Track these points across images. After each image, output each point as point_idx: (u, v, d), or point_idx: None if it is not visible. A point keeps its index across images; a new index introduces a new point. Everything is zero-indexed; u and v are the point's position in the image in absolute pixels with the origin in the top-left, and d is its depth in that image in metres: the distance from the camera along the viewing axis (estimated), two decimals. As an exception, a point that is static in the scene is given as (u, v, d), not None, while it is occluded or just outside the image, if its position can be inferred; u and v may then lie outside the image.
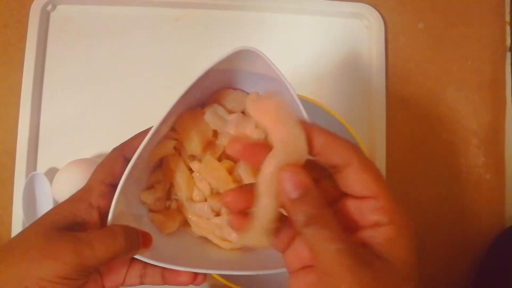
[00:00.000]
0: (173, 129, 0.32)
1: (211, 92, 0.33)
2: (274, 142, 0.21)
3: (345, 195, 0.23)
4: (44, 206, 0.47)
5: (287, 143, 0.21)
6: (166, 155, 0.33)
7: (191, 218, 0.33)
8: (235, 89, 0.34)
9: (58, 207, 0.29)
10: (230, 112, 0.33)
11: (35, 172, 0.47)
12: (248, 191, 0.22)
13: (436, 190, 0.52)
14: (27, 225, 0.46)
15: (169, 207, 0.34)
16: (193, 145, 0.32)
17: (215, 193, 0.33)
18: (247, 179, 0.32)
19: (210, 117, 0.32)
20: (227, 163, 0.33)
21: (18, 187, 0.47)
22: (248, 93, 0.34)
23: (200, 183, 0.33)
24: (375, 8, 0.53)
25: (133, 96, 0.51)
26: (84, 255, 0.26)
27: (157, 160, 0.33)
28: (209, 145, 0.33)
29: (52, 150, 0.50)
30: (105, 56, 0.51)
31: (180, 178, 0.32)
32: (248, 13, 0.53)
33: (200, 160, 0.33)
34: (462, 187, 0.53)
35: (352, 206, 0.23)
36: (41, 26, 0.50)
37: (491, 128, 0.53)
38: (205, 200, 0.33)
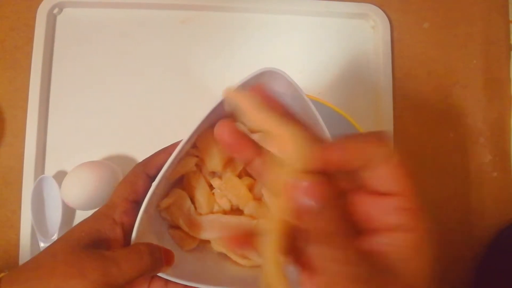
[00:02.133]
0: (194, 145, 0.32)
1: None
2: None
3: (357, 188, 0.20)
4: (53, 209, 0.47)
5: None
6: (187, 172, 0.33)
7: None
8: None
9: (83, 224, 0.29)
10: (251, 130, 0.33)
11: (44, 175, 0.47)
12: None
13: (443, 189, 0.53)
14: (36, 228, 0.46)
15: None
16: (214, 162, 0.32)
17: (235, 209, 0.33)
18: (267, 196, 0.32)
19: None
20: (247, 180, 0.33)
21: (27, 191, 0.47)
22: None
23: (221, 200, 0.33)
24: (381, 8, 0.53)
25: (140, 98, 0.51)
26: (111, 274, 0.26)
27: (178, 176, 0.33)
28: (230, 162, 0.33)
29: (60, 153, 0.49)
30: (112, 59, 0.51)
31: (201, 195, 0.33)
32: (253, 15, 0.53)
33: (220, 177, 0.33)
34: (469, 185, 0.53)
35: (366, 203, 0.20)
36: (48, 29, 0.50)
37: (497, 126, 0.54)
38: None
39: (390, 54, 0.53)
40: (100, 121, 0.50)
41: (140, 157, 0.50)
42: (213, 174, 0.34)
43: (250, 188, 0.33)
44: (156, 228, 0.32)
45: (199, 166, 0.33)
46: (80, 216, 0.49)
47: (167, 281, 0.30)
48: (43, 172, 0.49)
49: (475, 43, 0.55)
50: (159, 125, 0.51)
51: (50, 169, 0.49)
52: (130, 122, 0.50)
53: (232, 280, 0.32)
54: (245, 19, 0.53)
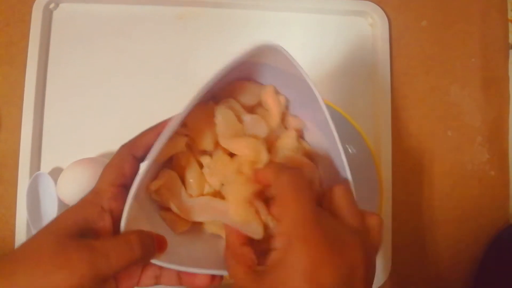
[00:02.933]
0: (184, 124, 0.31)
1: (224, 84, 0.32)
2: None
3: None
4: (49, 206, 0.47)
5: None
6: (177, 152, 0.32)
7: None
8: (249, 80, 0.33)
9: (70, 212, 0.28)
10: (244, 106, 0.33)
11: (39, 172, 0.47)
12: None
13: (441, 188, 0.53)
14: (31, 225, 0.46)
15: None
16: (206, 141, 0.31)
17: None
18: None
19: (223, 119, 0.31)
20: (239, 158, 0.32)
21: (22, 187, 0.47)
22: (263, 85, 0.33)
23: (211, 179, 0.32)
24: (379, 6, 0.53)
25: (136, 94, 0.51)
26: (100, 265, 0.25)
27: (168, 157, 0.32)
28: None
29: (56, 149, 0.49)
30: (108, 54, 0.51)
31: (191, 176, 0.32)
32: (252, 12, 0.53)
33: (211, 155, 0.32)
34: (467, 184, 0.53)
35: None
36: (44, 24, 0.50)
37: (495, 125, 0.54)
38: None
39: (388, 52, 0.52)
40: (96, 118, 0.50)
41: (137, 154, 0.49)
42: (204, 151, 0.32)
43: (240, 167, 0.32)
44: (146, 211, 0.31)
45: (190, 146, 0.32)
46: (76, 213, 0.48)
47: (161, 266, 0.29)
48: (38, 169, 0.49)
49: (474, 41, 0.55)
50: (156, 121, 0.50)
51: (46, 166, 0.49)
52: (126, 118, 0.50)
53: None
54: (243, 16, 0.53)
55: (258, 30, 0.53)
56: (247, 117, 0.32)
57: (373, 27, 0.53)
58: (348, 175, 0.28)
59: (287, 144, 0.32)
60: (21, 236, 0.47)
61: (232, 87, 0.32)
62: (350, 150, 0.47)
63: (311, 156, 0.33)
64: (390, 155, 0.51)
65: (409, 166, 0.52)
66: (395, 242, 0.51)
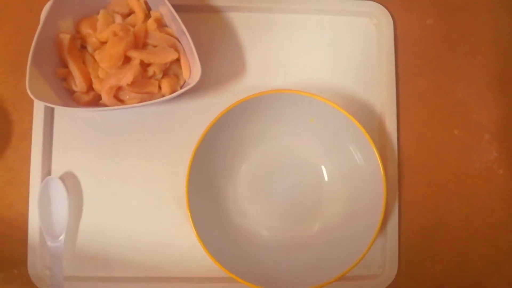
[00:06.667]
0: (77, 31, 0.48)
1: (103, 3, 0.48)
2: None
3: None
4: (60, 209, 0.48)
5: None
6: (71, 53, 0.46)
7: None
8: None
9: None
10: (121, 14, 0.48)
11: (50, 176, 0.48)
12: None
13: (449, 186, 0.52)
14: (43, 229, 0.47)
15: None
16: (92, 38, 0.47)
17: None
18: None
19: (102, 17, 0.47)
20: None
21: (34, 192, 0.48)
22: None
23: (101, 63, 0.46)
24: (384, 6, 0.53)
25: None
26: None
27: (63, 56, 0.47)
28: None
29: (66, 154, 0.50)
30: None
31: (75, 69, 0.46)
32: (256, 15, 0.53)
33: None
34: (474, 182, 0.53)
35: None
36: (52, 31, 0.51)
37: (502, 123, 0.53)
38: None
39: (393, 52, 0.52)
40: (106, 121, 0.51)
41: (145, 154, 0.50)
42: (95, 49, 0.48)
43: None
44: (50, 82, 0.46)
45: (85, 47, 0.48)
46: (86, 214, 0.49)
47: None
48: (49, 174, 0.50)
49: (480, 39, 0.54)
50: (168, 126, 0.51)
51: (57, 171, 0.50)
52: (137, 120, 0.51)
53: None
54: (247, 18, 0.53)
55: (264, 32, 0.53)
56: (118, 18, 0.48)
57: (378, 27, 0.53)
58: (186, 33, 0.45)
59: (149, 26, 0.47)
60: (33, 240, 0.48)
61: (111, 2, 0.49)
62: (354, 153, 0.47)
63: (170, 33, 0.49)
64: (396, 154, 0.51)
65: (415, 165, 0.52)
66: (402, 242, 0.51)
